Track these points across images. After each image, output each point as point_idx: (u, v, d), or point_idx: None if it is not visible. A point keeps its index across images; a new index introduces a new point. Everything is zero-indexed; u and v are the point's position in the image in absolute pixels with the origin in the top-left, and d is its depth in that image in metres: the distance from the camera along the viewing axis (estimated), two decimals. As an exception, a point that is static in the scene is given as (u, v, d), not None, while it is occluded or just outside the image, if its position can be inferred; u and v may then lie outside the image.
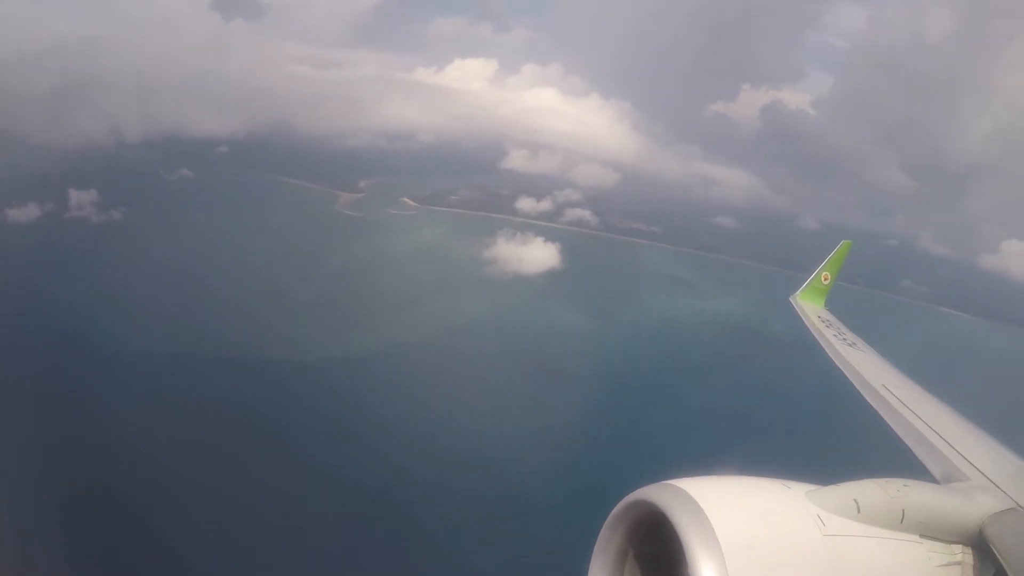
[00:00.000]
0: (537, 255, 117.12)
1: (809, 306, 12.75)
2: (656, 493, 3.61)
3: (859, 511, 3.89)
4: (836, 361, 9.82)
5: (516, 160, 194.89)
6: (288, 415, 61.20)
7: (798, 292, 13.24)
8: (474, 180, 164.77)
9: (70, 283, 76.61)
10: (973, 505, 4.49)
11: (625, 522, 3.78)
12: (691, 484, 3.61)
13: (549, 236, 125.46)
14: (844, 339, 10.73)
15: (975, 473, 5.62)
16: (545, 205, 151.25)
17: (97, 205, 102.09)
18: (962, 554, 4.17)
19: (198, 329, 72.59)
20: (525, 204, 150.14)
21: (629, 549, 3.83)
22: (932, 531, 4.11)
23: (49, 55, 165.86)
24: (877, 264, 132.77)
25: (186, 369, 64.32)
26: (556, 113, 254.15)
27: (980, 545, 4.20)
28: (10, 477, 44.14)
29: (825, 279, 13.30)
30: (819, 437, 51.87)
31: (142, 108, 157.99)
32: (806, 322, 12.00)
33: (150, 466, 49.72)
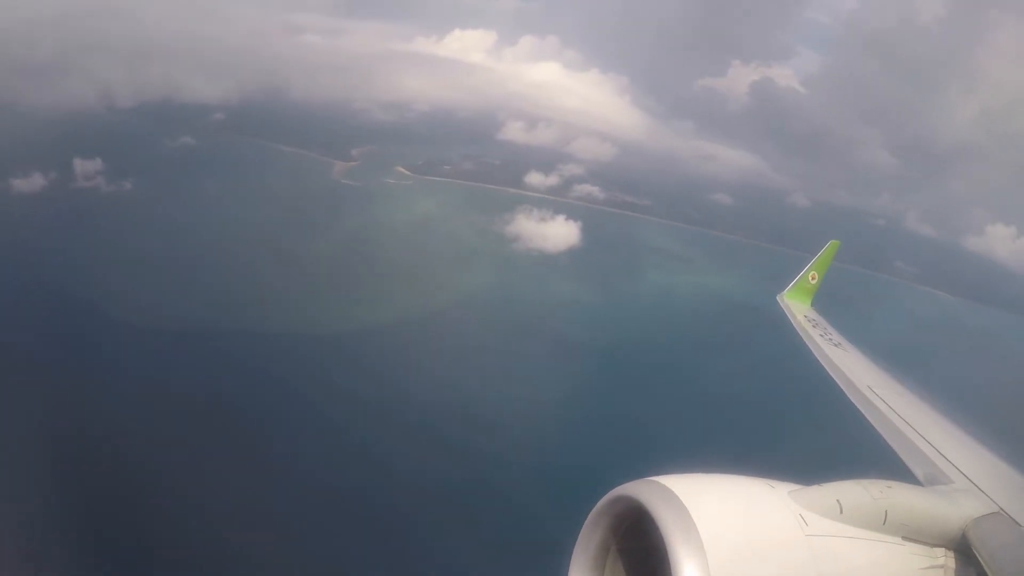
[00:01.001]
0: (547, 230, 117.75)
1: (796, 305, 12.81)
2: (639, 489, 3.64)
3: (842, 512, 3.89)
4: (822, 361, 9.86)
5: (513, 132, 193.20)
6: (303, 387, 61.29)
7: (785, 291, 13.26)
8: (469, 151, 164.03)
9: (79, 255, 76.42)
10: (956, 508, 4.49)
11: (608, 517, 3.82)
12: (674, 481, 3.65)
13: (554, 209, 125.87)
14: (830, 339, 10.80)
15: (959, 476, 5.59)
16: (546, 178, 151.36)
17: (104, 175, 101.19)
18: (944, 557, 4.17)
19: (210, 304, 72.62)
20: (526, 177, 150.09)
21: (611, 544, 3.87)
22: (914, 533, 4.12)
23: (37, 19, 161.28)
24: (866, 244, 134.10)
25: (195, 343, 64.36)
26: (554, 85, 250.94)
27: (963, 549, 4.19)
28: (17, 452, 44.48)
29: (812, 279, 13.30)
30: (803, 436, 51.77)
31: (133, 72, 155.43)
32: (792, 322, 12.05)
33: (155, 441, 50.19)
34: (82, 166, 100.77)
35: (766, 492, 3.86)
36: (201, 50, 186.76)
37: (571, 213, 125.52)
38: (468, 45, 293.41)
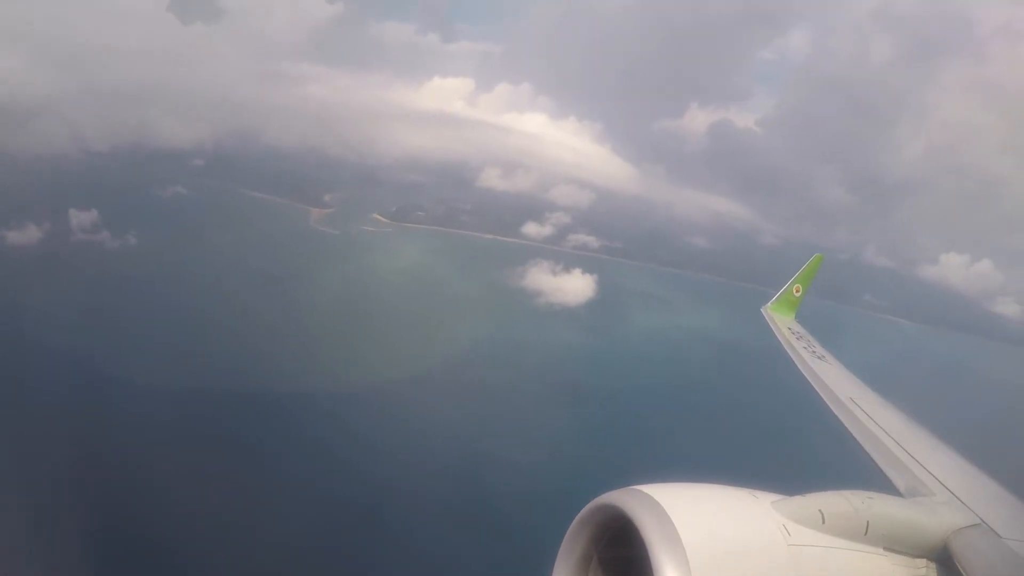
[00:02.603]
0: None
1: (780, 318, 12.99)
2: (622, 498, 3.68)
3: (824, 522, 3.95)
4: (805, 373, 9.98)
5: (489, 179, 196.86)
6: (303, 449, 60.25)
7: (769, 304, 13.51)
8: (442, 197, 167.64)
9: (74, 307, 75.21)
10: (937, 520, 4.55)
11: (590, 526, 3.85)
12: (658, 490, 3.70)
13: (542, 256, 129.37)
14: (813, 352, 10.95)
15: (940, 488, 5.66)
16: (539, 227, 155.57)
17: (104, 227, 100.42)
18: (926, 568, 4.21)
19: (220, 362, 72.08)
20: (507, 223, 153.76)
21: (594, 553, 3.89)
22: (896, 544, 4.17)
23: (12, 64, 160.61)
24: (835, 278, 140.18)
25: (195, 401, 63.55)
26: (529, 133, 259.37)
27: (944, 560, 4.23)
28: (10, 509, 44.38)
29: (796, 291, 13.51)
30: (786, 448, 54.40)
31: (109, 117, 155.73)
32: (776, 334, 12.15)
33: (145, 501, 49.94)
34: (78, 217, 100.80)
35: (749, 502, 3.96)
36: (175, 95, 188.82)
37: (560, 259, 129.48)
38: (447, 93, 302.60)
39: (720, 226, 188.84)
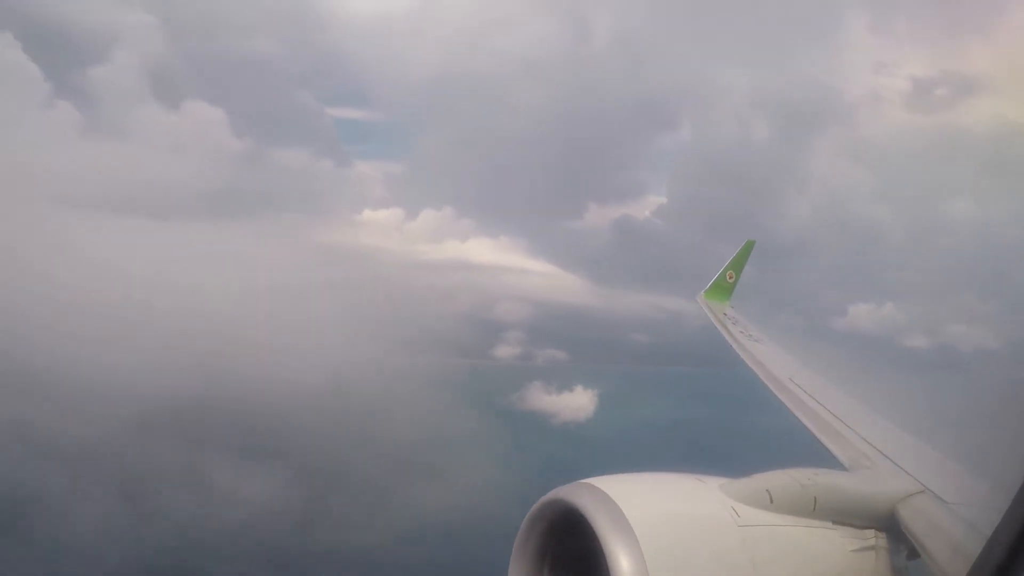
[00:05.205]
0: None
1: (715, 304, 13.57)
2: (572, 492, 3.80)
3: (772, 501, 4.06)
4: (742, 356, 10.24)
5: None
6: None
7: (703, 291, 14.11)
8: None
9: None
10: (883, 490, 4.69)
11: (541, 523, 3.97)
12: (606, 482, 3.82)
13: (518, 377, 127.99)
14: (750, 335, 11.28)
15: (883, 459, 5.83)
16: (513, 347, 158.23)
17: None
18: (875, 538, 4.32)
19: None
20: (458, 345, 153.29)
21: (547, 550, 4.02)
22: (845, 517, 4.27)
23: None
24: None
25: None
26: (457, 256, 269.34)
27: (892, 529, 4.36)
28: None
29: (730, 277, 14.21)
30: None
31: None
32: (712, 319, 12.57)
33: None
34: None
35: (697, 487, 4.12)
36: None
37: (539, 376, 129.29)
38: (368, 225, 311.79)
39: (649, 318, 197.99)
